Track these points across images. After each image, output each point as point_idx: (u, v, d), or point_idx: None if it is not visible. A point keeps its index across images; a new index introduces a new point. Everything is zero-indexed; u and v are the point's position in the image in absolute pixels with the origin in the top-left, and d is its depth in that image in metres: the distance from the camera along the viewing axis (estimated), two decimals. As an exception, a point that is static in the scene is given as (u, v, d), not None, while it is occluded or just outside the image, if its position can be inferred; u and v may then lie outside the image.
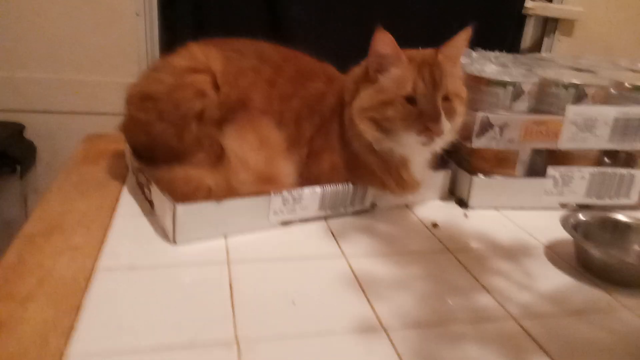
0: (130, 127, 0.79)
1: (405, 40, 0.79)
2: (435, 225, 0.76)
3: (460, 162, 0.85)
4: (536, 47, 1.93)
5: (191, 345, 0.47)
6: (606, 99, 0.80)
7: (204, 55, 0.73)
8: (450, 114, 0.69)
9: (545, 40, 1.89)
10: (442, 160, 0.85)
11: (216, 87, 0.72)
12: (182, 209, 0.63)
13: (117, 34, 1.57)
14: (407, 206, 0.82)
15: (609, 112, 0.77)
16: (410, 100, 0.67)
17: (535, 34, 1.90)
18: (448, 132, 0.69)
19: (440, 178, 0.85)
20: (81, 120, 1.58)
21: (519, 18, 1.81)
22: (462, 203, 0.83)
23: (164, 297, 0.54)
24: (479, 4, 1.70)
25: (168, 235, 0.65)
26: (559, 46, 1.86)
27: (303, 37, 1.35)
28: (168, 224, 0.65)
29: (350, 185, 0.75)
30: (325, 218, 0.75)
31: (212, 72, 0.72)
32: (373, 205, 0.79)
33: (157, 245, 0.64)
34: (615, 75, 0.84)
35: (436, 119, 0.66)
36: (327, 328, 0.51)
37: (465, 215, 0.80)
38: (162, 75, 0.73)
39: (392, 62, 0.68)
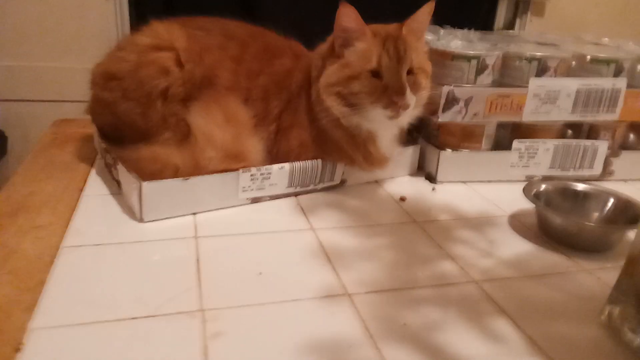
0: (96, 108, 0.78)
1: (373, 16, 0.80)
2: (403, 199, 0.77)
3: (428, 138, 0.86)
4: (509, 27, 1.94)
5: (155, 316, 0.47)
6: (568, 72, 0.82)
7: (167, 33, 0.73)
8: (415, 87, 0.69)
9: (518, 21, 1.91)
10: (411, 136, 0.86)
11: (180, 64, 0.71)
12: (148, 186, 0.63)
13: (86, 19, 1.54)
14: (377, 182, 0.83)
15: (571, 84, 0.79)
16: (376, 74, 0.68)
17: (508, 14, 1.92)
18: (414, 105, 0.70)
19: (410, 153, 0.86)
20: (52, 108, 1.55)
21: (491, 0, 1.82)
22: (431, 178, 0.85)
23: (129, 273, 0.54)
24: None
25: (135, 213, 0.65)
26: (531, 26, 1.88)
27: (273, 16, 1.34)
28: (135, 202, 0.65)
29: (319, 162, 0.75)
30: (295, 195, 0.76)
31: (175, 49, 0.71)
32: (343, 181, 0.80)
33: (124, 224, 0.64)
34: (577, 48, 0.85)
35: (401, 92, 0.67)
36: (292, 296, 0.52)
37: (434, 189, 0.81)
38: (126, 54, 0.73)
39: (356, 36, 0.69)
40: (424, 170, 0.87)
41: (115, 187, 0.73)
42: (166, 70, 0.71)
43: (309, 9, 1.35)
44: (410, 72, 0.69)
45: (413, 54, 0.69)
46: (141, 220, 0.64)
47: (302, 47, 0.82)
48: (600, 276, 0.58)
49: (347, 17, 0.68)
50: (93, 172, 0.79)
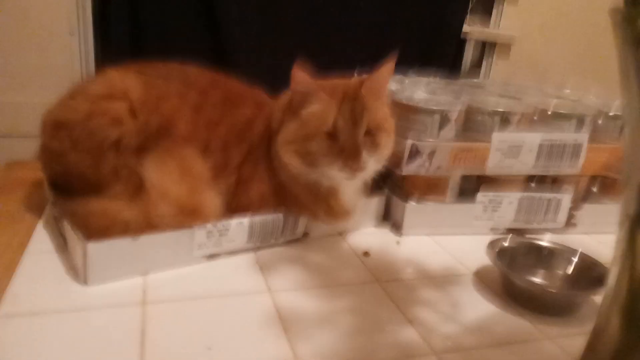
0: (45, 157, 0.74)
1: (344, 60, 0.79)
2: (366, 253, 0.75)
3: (393, 189, 0.85)
4: (476, 68, 1.99)
5: (88, 403, 0.43)
6: (531, 125, 0.82)
7: (121, 81, 0.70)
8: (373, 148, 0.68)
9: (484, 63, 1.95)
10: (377, 186, 0.84)
11: (134, 114, 0.68)
12: (93, 246, 0.59)
13: (49, 53, 1.51)
14: (341, 234, 0.81)
15: (533, 138, 0.79)
16: (331, 136, 0.67)
17: (475, 56, 1.97)
18: (372, 165, 0.69)
19: (374, 205, 0.84)
20: (9, 143, 1.49)
21: (459, 42, 1.86)
22: (396, 229, 0.83)
23: (65, 346, 0.50)
24: (420, 28, 1.73)
25: (79, 275, 0.61)
26: (496, 68, 1.93)
27: (243, 57, 1.33)
28: (79, 263, 0.60)
29: (281, 215, 0.73)
30: (255, 250, 0.73)
31: (129, 99, 0.68)
32: (305, 235, 0.77)
33: (66, 287, 0.60)
34: (540, 101, 0.86)
35: (356, 156, 0.65)
36: (242, 374, 0.48)
37: (398, 243, 0.79)
38: (77, 103, 0.69)
39: (311, 98, 0.67)
40: (390, 221, 0.85)
41: (62, 244, 0.69)
42: (119, 121, 0.67)
43: (283, 51, 1.35)
44: (368, 132, 0.68)
45: (371, 115, 0.67)
46: (85, 282, 0.60)
47: (266, 95, 0.81)
48: (563, 344, 0.56)
49: (299, 81, 0.67)
50: (41, 224, 0.75)
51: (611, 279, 0.45)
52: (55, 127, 0.70)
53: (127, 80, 0.71)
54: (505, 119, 0.79)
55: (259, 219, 0.71)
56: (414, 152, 0.77)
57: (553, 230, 0.84)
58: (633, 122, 0.41)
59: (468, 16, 1.84)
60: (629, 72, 0.40)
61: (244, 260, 0.70)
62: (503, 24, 1.90)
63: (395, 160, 0.77)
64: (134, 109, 0.69)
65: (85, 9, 1.48)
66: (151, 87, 0.72)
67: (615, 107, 0.86)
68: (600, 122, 0.84)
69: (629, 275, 0.43)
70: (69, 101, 0.71)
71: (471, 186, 0.85)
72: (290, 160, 0.68)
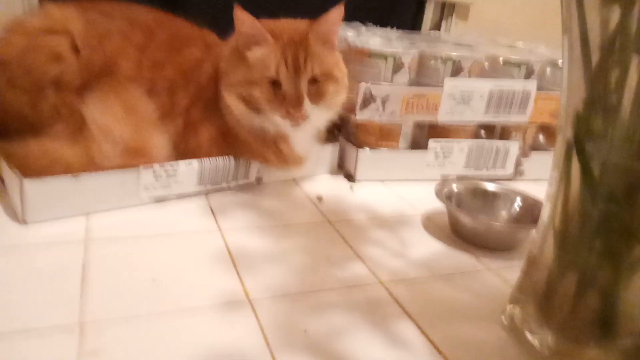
0: (-20, 96, 0.69)
1: (299, 12, 0.77)
2: (320, 198, 0.75)
3: (348, 136, 0.85)
4: (436, 29, 1.99)
5: (24, 331, 0.42)
6: (482, 73, 0.83)
7: (61, 16, 0.66)
8: (319, 96, 0.67)
9: (444, 24, 1.95)
10: (332, 134, 0.84)
11: (76, 50, 0.65)
12: (30, 184, 0.56)
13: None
14: (295, 180, 0.81)
15: (484, 85, 0.80)
16: (275, 82, 0.65)
17: (435, 18, 1.96)
18: (319, 114, 0.68)
19: (329, 152, 0.84)
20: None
21: (418, 2, 1.85)
22: (350, 176, 0.83)
23: (5, 283, 0.48)
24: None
25: (17, 214, 0.58)
26: (456, 30, 1.94)
27: (195, 2, 1.27)
28: (17, 202, 0.58)
29: (232, 159, 0.72)
30: (206, 193, 0.72)
31: (70, 34, 0.65)
32: (259, 180, 0.77)
33: (4, 226, 0.57)
34: (491, 50, 0.87)
35: (298, 104, 0.64)
36: (188, 305, 0.48)
37: (351, 188, 0.80)
38: (13, 37, 0.65)
39: (256, 41, 0.65)
40: (344, 169, 0.85)
41: (1, 186, 0.66)
42: (58, 56, 0.64)
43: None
44: (314, 80, 0.66)
45: (316, 62, 0.65)
46: (23, 221, 0.58)
47: (215, 36, 0.78)
48: (504, 275, 0.59)
49: (242, 23, 0.64)
50: (-24, 167, 0.71)
51: (545, 211, 0.47)
52: (-11, 62, 0.66)
53: (68, 15, 0.67)
54: (457, 66, 0.80)
55: (208, 161, 0.69)
56: (368, 97, 0.77)
57: (502, 178, 0.86)
58: (571, 54, 0.42)
59: (428, -25, 1.82)
60: (569, 1, 0.41)
61: (195, 203, 0.69)
62: (462, -16, 1.90)
63: (349, 106, 0.77)
64: (75, 45, 0.65)
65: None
66: (94, 24, 0.69)
67: (563, 57, 0.88)
68: (549, 71, 0.86)
69: (564, 199, 0.44)
70: (5, 35, 0.66)
71: (423, 137, 0.86)
72: (233, 103, 0.66)
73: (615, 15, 0.37)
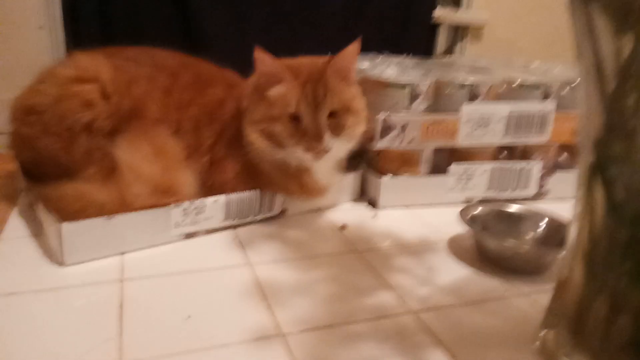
0: (16, 144, 0.73)
1: (314, 47, 0.80)
2: (343, 227, 0.76)
3: (369, 164, 0.86)
4: (449, 52, 2.01)
5: (67, 373, 0.43)
6: (499, 97, 0.84)
7: (91, 64, 0.70)
8: (338, 129, 0.68)
9: (458, 47, 1.97)
10: (354, 163, 0.85)
11: (106, 96, 0.68)
12: (68, 227, 0.59)
13: (18, 48, 1.48)
14: (319, 210, 0.82)
15: (502, 109, 0.81)
16: (295, 118, 0.67)
17: (448, 40, 1.99)
18: (339, 146, 0.70)
19: (351, 181, 0.85)
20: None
21: (430, 27, 1.88)
22: (373, 204, 0.84)
23: (44, 324, 0.50)
24: (390, 14, 1.74)
25: (56, 256, 0.61)
26: (470, 51, 1.95)
27: (215, 46, 1.32)
28: (55, 244, 0.60)
29: (257, 193, 0.73)
30: (234, 227, 0.73)
31: (100, 81, 0.68)
32: (283, 211, 0.78)
33: (43, 268, 0.60)
34: (507, 73, 0.88)
35: (319, 138, 0.66)
36: (222, 340, 0.49)
37: (375, 216, 0.81)
38: (46, 87, 0.69)
39: (276, 80, 0.68)
40: (366, 197, 0.86)
41: (38, 228, 0.69)
42: (90, 103, 0.67)
43: (252, 37, 1.35)
44: (333, 114, 0.68)
45: (335, 97, 0.67)
46: (62, 263, 0.60)
47: (237, 76, 0.81)
48: (535, 300, 0.58)
49: (263, 63, 0.67)
50: (15, 211, 0.74)
51: (572, 232, 0.47)
52: (25, 112, 0.70)
53: (96, 62, 0.71)
54: (474, 92, 0.81)
55: (235, 196, 0.71)
56: (386, 127, 0.78)
57: (526, 198, 0.86)
58: (586, 81, 0.43)
59: (438, 1, 1.85)
60: (581, 29, 0.42)
61: (223, 238, 0.70)
62: (474, 7, 1.92)
63: (369, 136, 0.79)
64: (105, 92, 0.69)
65: (54, 1, 1.46)
66: (121, 70, 0.72)
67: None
68: (565, 92, 0.86)
69: (589, 222, 0.45)
70: (38, 85, 0.70)
71: (444, 161, 0.87)
72: (256, 140, 0.69)
73: (628, 44, 0.38)
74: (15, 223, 0.71)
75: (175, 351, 0.47)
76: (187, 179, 0.69)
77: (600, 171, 0.42)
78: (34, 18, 1.46)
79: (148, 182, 0.65)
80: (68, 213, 0.61)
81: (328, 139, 0.67)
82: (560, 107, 0.84)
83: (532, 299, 0.59)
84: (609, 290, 0.44)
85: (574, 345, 0.47)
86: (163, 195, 0.66)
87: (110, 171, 0.67)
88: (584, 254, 0.46)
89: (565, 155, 0.91)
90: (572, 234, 0.48)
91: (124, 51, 0.76)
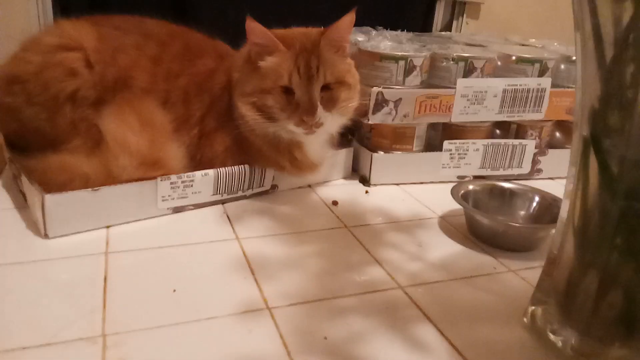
0: (0, 115, 0.71)
1: (310, 19, 0.78)
2: (335, 203, 0.75)
3: (361, 140, 0.85)
4: (447, 29, 1.98)
5: (49, 344, 0.43)
6: (495, 72, 0.82)
7: (75, 32, 0.68)
8: (332, 102, 0.67)
9: (455, 24, 1.94)
10: (346, 138, 0.84)
11: (90, 65, 0.66)
12: (51, 199, 0.57)
13: (6, 17, 1.44)
14: (310, 186, 0.81)
15: (498, 84, 0.79)
16: (288, 90, 0.65)
17: (445, 17, 1.95)
18: (332, 120, 0.68)
19: (343, 156, 0.84)
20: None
21: (429, 1, 1.85)
22: (365, 180, 0.83)
23: (26, 296, 0.49)
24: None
25: (39, 229, 0.60)
26: (467, 29, 1.92)
27: (205, 14, 1.29)
28: (38, 217, 0.59)
29: (247, 167, 0.72)
30: (222, 202, 0.72)
31: (84, 49, 0.66)
32: (274, 187, 0.77)
33: (27, 240, 0.59)
34: (504, 49, 0.86)
35: (311, 112, 0.64)
36: (207, 313, 0.48)
37: (367, 192, 0.80)
38: (30, 55, 0.67)
39: (268, 50, 0.65)
40: (358, 173, 0.85)
41: (22, 200, 0.67)
42: (73, 72, 0.65)
43: (243, 7, 1.32)
44: (326, 87, 0.66)
45: (328, 70, 0.65)
46: (45, 236, 0.59)
47: (228, 47, 0.79)
48: (525, 276, 0.58)
49: (254, 33, 0.65)
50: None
51: (564, 209, 0.47)
52: (8, 81, 0.68)
53: (81, 31, 0.69)
54: (470, 66, 0.79)
55: (224, 170, 0.70)
56: (380, 101, 0.77)
57: (519, 176, 0.85)
58: (584, 50, 0.41)
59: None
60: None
61: (211, 212, 0.69)
62: (472, -17, 1.88)
63: (362, 110, 0.77)
64: (90, 60, 0.67)
65: (41, -30, 1.41)
66: (107, 39, 0.70)
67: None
68: (563, 67, 0.85)
69: (582, 198, 0.44)
70: (22, 54, 0.68)
71: (437, 136, 0.86)
72: (247, 112, 0.67)
73: (628, 11, 0.37)
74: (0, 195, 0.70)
75: (160, 324, 0.46)
76: (175, 152, 0.68)
77: (595, 144, 0.41)
78: (21, -13, 1.42)
79: (135, 154, 0.64)
80: (53, 185, 0.60)
81: (321, 113, 0.65)
82: (556, 84, 0.83)
83: (522, 275, 0.58)
84: (600, 265, 0.43)
85: (563, 322, 0.46)
86: (150, 168, 0.64)
87: (96, 143, 0.65)
88: (575, 230, 0.46)
89: (559, 133, 0.90)
90: (564, 210, 0.47)
91: (111, 19, 0.74)
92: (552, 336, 0.47)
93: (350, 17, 0.66)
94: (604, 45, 0.39)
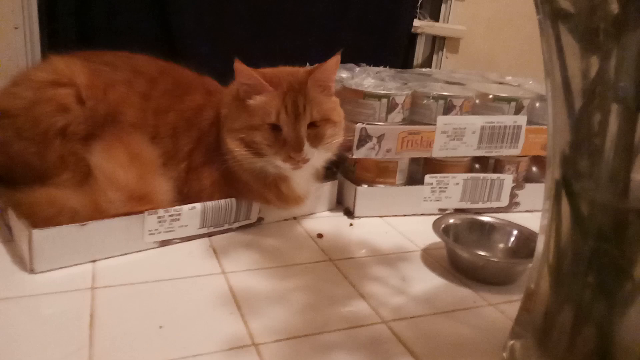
0: (-13, 147, 0.72)
1: (295, 56, 0.81)
2: (320, 235, 0.76)
3: (346, 173, 0.87)
4: (427, 64, 2.04)
5: (35, 383, 0.43)
6: (473, 110, 0.86)
7: (67, 68, 0.69)
8: (318, 139, 0.69)
9: (435, 58, 2.01)
10: (331, 171, 0.86)
11: (81, 101, 0.67)
12: (38, 233, 0.58)
13: (-8, 48, 1.45)
14: (295, 218, 0.82)
15: (476, 121, 0.82)
16: (275, 127, 0.68)
17: (426, 51, 2.02)
18: (318, 156, 0.71)
19: (328, 190, 0.86)
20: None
21: (410, 37, 1.91)
22: (349, 213, 0.85)
23: (14, 332, 0.49)
24: (371, 24, 1.76)
25: (25, 263, 0.60)
26: (447, 63, 1.99)
27: (194, 51, 1.32)
28: (25, 251, 0.59)
29: (234, 201, 0.73)
30: (209, 235, 0.73)
31: (76, 86, 0.67)
32: (260, 219, 0.78)
33: (12, 275, 0.59)
34: (482, 87, 0.90)
35: (298, 148, 0.66)
36: (194, 350, 0.49)
37: (351, 225, 0.81)
38: (21, 90, 0.68)
39: (256, 90, 0.68)
40: (343, 206, 0.87)
41: (8, 234, 0.67)
42: (65, 108, 0.66)
43: (231, 43, 1.35)
44: (313, 124, 0.69)
45: (315, 108, 0.68)
46: (32, 271, 0.59)
47: (216, 83, 0.81)
48: (504, 310, 0.60)
49: (242, 75, 0.67)
50: (-17, 216, 0.73)
51: (539, 244, 0.49)
52: (-2, 116, 0.68)
53: (73, 67, 0.70)
54: (449, 104, 0.82)
55: (211, 203, 0.71)
56: (364, 136, 0.79)
57: (498, 210, 0.88)
58: (554, 98, 0.44)
59: (418, 11, 1.88)
60: (550, 48, 0.43)
61: (198, 245, 0.70)
62: (452, 18, 1.96)
63: (347, 145, 0.79)
64: (81, 96, 0.68)
65: (31, 2, 1.43)
66: (98, 75, 0.71)
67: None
68: (538, 105, 0.89)
69: (556, 235, 0.46)
70: (13, 88, 0.69)
71: (418, 170, 0.88)
72: (235, 148, 0.69)
73: (594, 63, 0.40)
74: (-16, 228, 0.69)
75: (147, 361, 0.47)
76: (163, 186, 0.69)
77: (565, 187, 0.43)
78: (10, 18, 1.43)
79: (123, 188, 0.65)
80: (40, 219, 0.60)
81: (307, 149, 0.67)
82: (532, 121, 0.87)
83: (501, 309, 0.60)
84: (574, 301, 0.45)
85: (540, 355, 0.48)
86: (138, 203, 0.65)
87: (85, 177, 0.66)
88: (551, 266, 0.48)
89: (535, 168, 0.94)
90: (539, 245, 0.49)
91: (101, 55, 0.75)
92: (530, 370, 0.48)
93: (336, 59, 0.69)
94: (572, 95, 0.42)
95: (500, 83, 1.00)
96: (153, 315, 0.53)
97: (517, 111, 0.87)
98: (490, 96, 0.86)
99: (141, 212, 0.65)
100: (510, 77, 1.04)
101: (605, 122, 0.40)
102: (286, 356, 0.49)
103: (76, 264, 0.61)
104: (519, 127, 0.85)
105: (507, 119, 0.84)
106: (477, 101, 0.86)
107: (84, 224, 0.60)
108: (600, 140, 0.41)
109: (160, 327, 0.51)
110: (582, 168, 0.43)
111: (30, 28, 1.47)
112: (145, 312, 0.54)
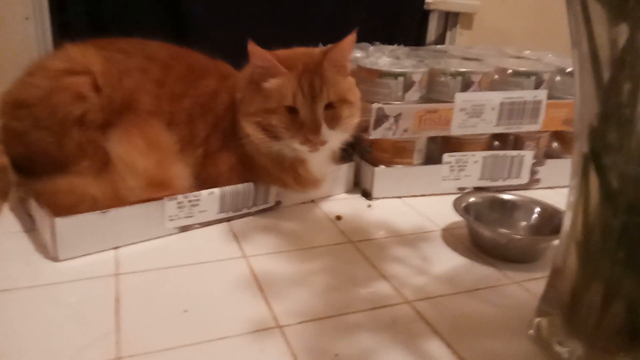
0: (6, 138, 0.72)
1: (308, 36, 0.79)
2: (339, 217, 0.76)
3: (362, 154, 0.86)
4: (440, 41, 2.00)
5: (65, 369, 0.43)
6: (492, 86, 0.84)
7: (82, 56, 0.69)
8: (335, 120, 0.68)
9: (448, 34, 1.97)
10: (347, 153, 0.85)
11: (97, 89, 0.67)
12: (61, 222, 0.58)
13: (4, 40, 1.45)
14: (313, 201, 0.82)
15: (495, 97, 0.81)
16: (292, 110, 0.67)
17: (439, 28, 1.98)
18: (335, 137, 0.70)
19: (345, 171, 0.85)
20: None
21: (422, 13, 1.87)
22: (367, 194, 0.84)
23: (39, 320, 0.50)
24: (381, 1, 1.73)
25: (49, 251, 0.60)
26: (460, 39, 1.95)
27: (206, 36, 1.31)
28: (48, 240, 0.60)
29: (251, 185, 0.73)
30: (228, 220, 0.73)
31: (91, 74, 0.67)
32: (278, 203, 0.78)
33: (37, 264, 0.59)
34: (499, 62, 0.88)
35: (315, 130, 0.66)
36: (219, 333, 0.49)
37: (369, 206, 0.81)
38: (36, 80, 0.68)
39: (271, 73, 0.67)
40: (360, 187, 0.87)
41: (30, 224, 0.68)
42: (82, 96, 0.66)
43: (243, 28, 1.34)
44: (329, 106, 0.68)
45: (331, 89, 0.67)
46: (56, 259, 0.59)
47: (230, 67, 0.80)
48: (529, 287, 0.59)
49: (256, 57, 0.67)
50: (6, 207, 0.73)
51: (567, 221, 0.48)
52: (15, 106, 0.68)
53: (87, 55, 0.70)
54: (467, 80, 0.81)
55: (229, 188, 0.71)
56: (381, 116, 0.78)
57: (518, 187, 0.87)
58: (582, 69, 0.43)
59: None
60: (577, 17, 0.42)
61: (218, 230, 0.70)
62: (465, -6, 1.91)
63: (363, 126, 0.78)
64: (97, 84, 0.68)
65: (41, -8, 1.43)
66: (112, 62, 0.71)
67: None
68: (558, 78, 0.87)
69: (584, 211, 0.45)
70: (28, 78, 0.69)
71: (436, 149, 0.87)
72: (252, 132, 0.68)
73: (624, 32, 0.38)
74: (7, 219, 0.70)
75: (174, 345, 0.47)
76: (181, 172, 0.69)
77: (594, 160, 0.42)
78: (20, 9, 1.44)
79: (142, 175, 0.65)
80: (61, 208, 0.61)
81: (325, 131, 0.67)
82: (552, 95, 0.85)
83: (526, 287, 0.59)
84: (603, 277, 0.44)
85: (568, 333, 0.47)
86: (157, 189, 0.65)
87: (103, 165, 0.66)
88: (578, 242, 0.47)
89: (556, 143, 0.92)
90: (566, 222, 0.48)
91: (115, 43, 0.75)
92: (558, 348, 0.48)
93: (351, 38, 0.68)
94: (601, 65, 0.40)
95: (518, 57, 0.97)
96: (177, 300, 0.54)
97: (537, 86, 0.85)
98: (510, 71, 0.84)
99: (160, 198, 0.65)
100: (528, 51, 1.01)
101: (636, 92, 0.39)
102: (310, 338, 0.49)
103: (99, 251, 0.62)
104: (539, 102, 0.83)
105: (527, 94, 0.82)
106: (495, 77, 0.84)
107: (105, 212, 0.61)
108: (631, 111, 0.40)
109: (185, 311, 0.52)
110: (612, 140, 0.41)
111: (41, 18, 1.48)
112: (169, 297, 0.54)
